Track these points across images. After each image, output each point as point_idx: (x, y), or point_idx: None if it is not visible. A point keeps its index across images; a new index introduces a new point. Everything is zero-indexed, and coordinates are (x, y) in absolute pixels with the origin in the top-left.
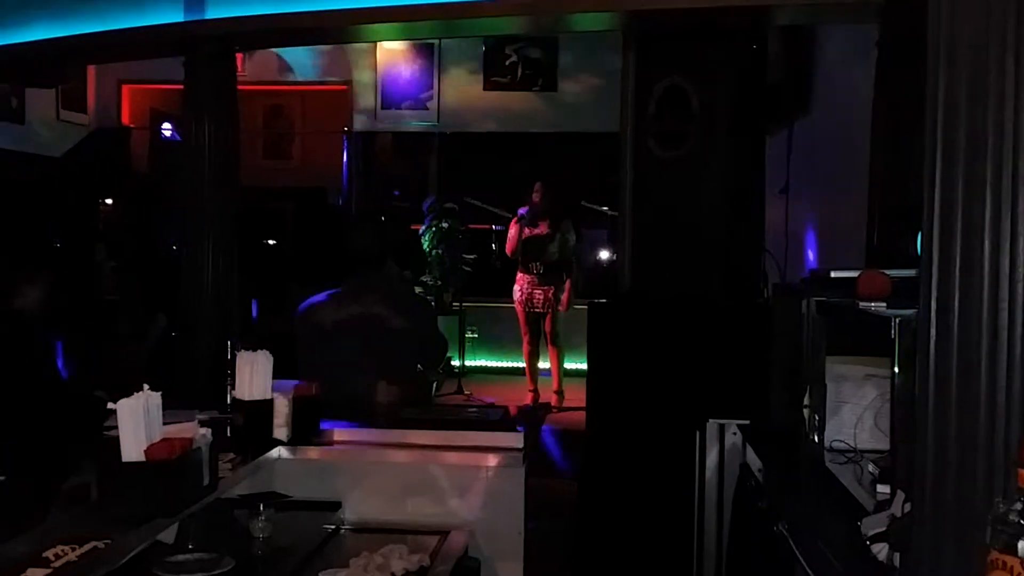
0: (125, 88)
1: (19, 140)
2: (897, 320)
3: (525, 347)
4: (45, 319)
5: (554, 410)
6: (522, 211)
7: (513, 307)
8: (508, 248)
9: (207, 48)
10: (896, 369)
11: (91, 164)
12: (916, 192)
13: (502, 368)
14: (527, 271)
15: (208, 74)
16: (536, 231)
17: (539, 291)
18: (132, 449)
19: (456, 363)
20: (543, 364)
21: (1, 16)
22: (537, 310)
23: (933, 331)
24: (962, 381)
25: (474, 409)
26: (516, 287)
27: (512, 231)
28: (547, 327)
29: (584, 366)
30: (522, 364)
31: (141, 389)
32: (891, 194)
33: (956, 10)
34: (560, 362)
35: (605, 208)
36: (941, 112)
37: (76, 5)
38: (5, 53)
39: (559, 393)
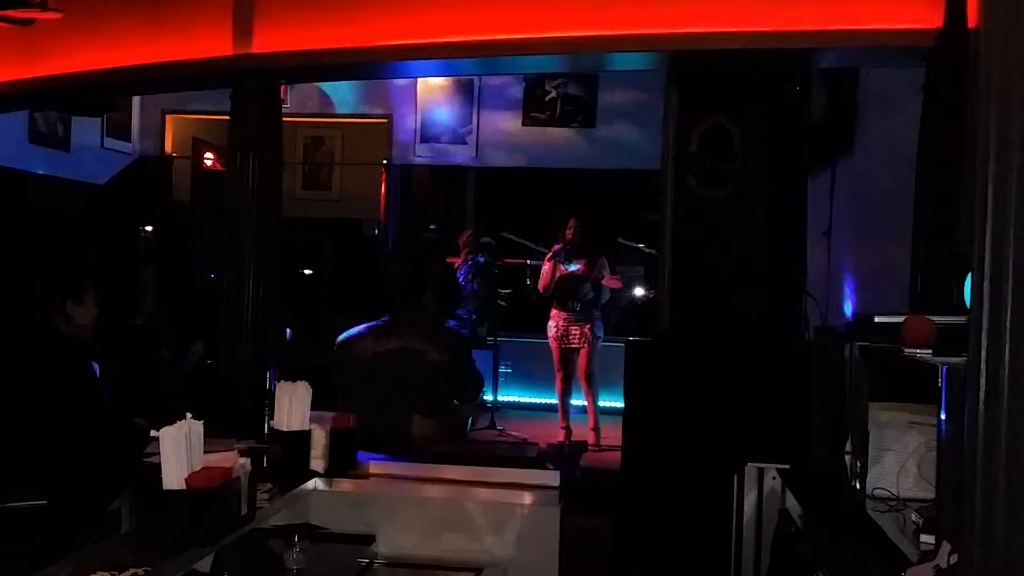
0: (168, 118)
1: (64, 167)
2: (945, 368)
3: (558, 384)
4: (91, 343)
5: (591, 448)
6: (557, 247)
7: (547, 343)
8: (541, 285)
9: (253, 81)
10: (943, 417)
11: (134, 192)
12: (961, 237)
13: (535, 404)
14: (562, 308)
15: (254, 106)
16: (572, 271)
17: (575, 328)
18: (174, 477)
19: (489, 398)
20: (575, 401)
21: (51, 46)
22: (573, 346)
23: (983, 381)
24: (1012, 432)
25: (508, 445)
26: (551, 323)
27: (546, 267)
28: (582, 364)
29: (614, 404)
30: (554, 400)
31: (179, 416)
32: (936, 238)
33: (1008, 57)
34: (595, 399)
35: (642, 245)
36: (992, 159)
37: (126, 37)
38: (55, 82)
39: (596, 431)
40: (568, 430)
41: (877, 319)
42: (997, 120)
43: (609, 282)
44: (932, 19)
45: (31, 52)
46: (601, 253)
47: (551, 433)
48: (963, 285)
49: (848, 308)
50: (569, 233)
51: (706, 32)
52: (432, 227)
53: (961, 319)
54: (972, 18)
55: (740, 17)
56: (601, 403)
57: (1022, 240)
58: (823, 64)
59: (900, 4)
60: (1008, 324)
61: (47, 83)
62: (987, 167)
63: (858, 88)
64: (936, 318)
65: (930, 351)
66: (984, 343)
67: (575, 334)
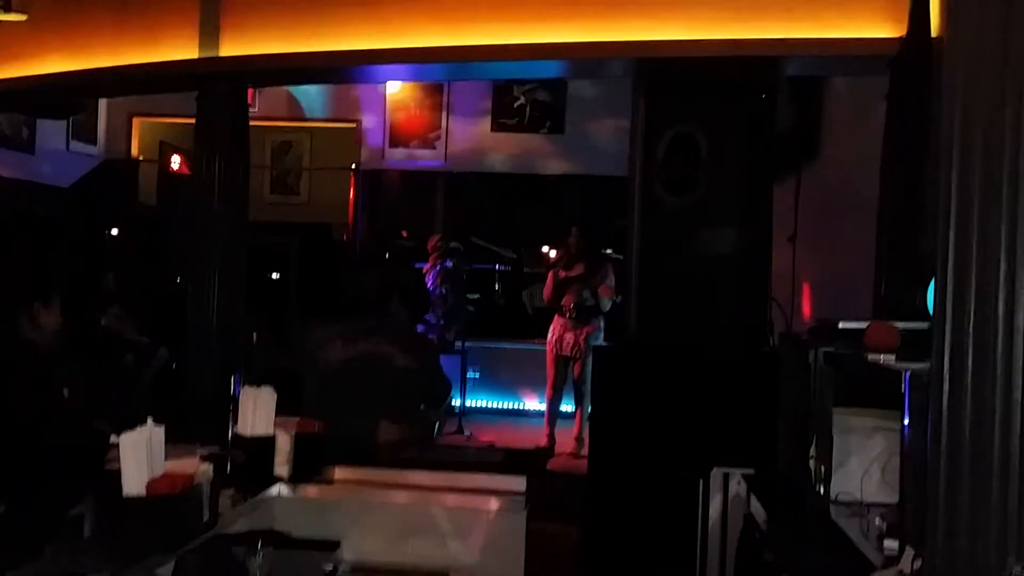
0: (135, 120)
1: (29, 170)
2: (908, 374)
3: (548, 391)
4: (54, 347)
5: (570, 455)
6: (554, 256)
7: (516, 348)
8: (545, 294)
9: (220, 85)
10: (907, 423)
11: (99, 195)
12: (924, 243)
13: (503, 409)
14: (560, 314)
15: (220, 110)
16: (570, 273)
17: (570, 334)
18: (134, 483)
19: (457, 403)
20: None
21: (16, 48)
22: (564, 354)
23: (946, 387)
24: (975, 437)
25: (476, 450)
26: (550, 328)
27: (549, 278)
28: (576, 372)
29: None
30: (522, 405)
31: (141, 422)
32: (899, 245)
33: (969, 65)
34: (584, 409)
35: (609, 251)
36: (956, 166)
37: (92, 40)
38: (19, 84)
39: (579, 440)
40: (552, 438)
41: (841, 325)
42: (960, 127)
43: (602, 290)
44: (896, 28)
45: None
46: (606, 260)
47: (518, 438)
48: (926, 291)
49: (812, 314)
50: (572, 240)
51: (673, 40)
52: (401, 232)
53: (924, 325)
54: (935, 27)
55: (707, 26)
56: (564, 408)
57: (984, 246)
58: (789, 72)
59: (865, 13)
60: (971, 330)
61: (11, 85)
62: (950, 174)
63: (824, 96)
64: (899, 324)
65: (893, 357)
66: (947, 349)
67: (568, 341)
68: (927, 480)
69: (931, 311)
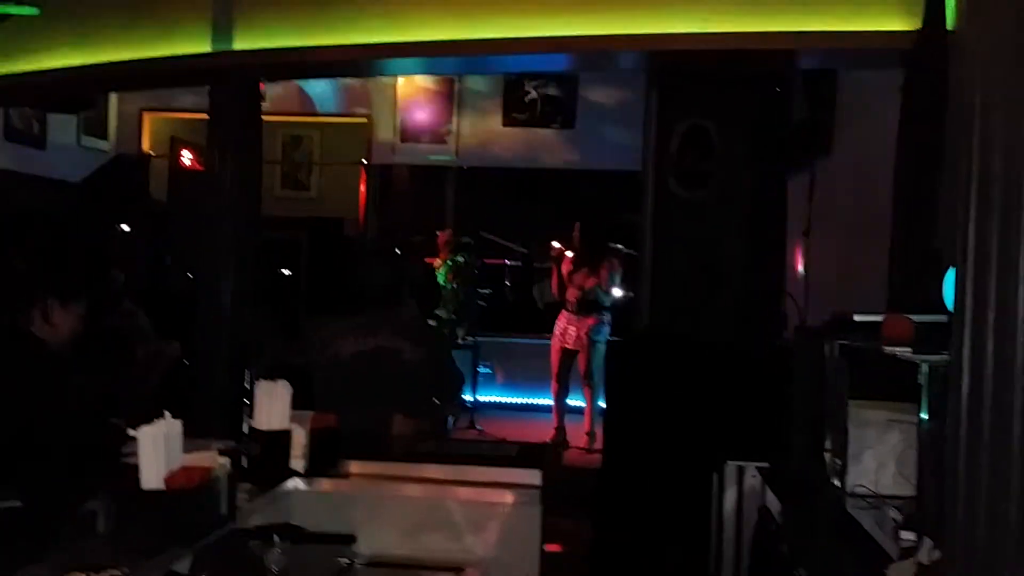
0: (146, 116)
1: (40, 165)
2: (927, 366)
3: (553, 384)
4: (66, 344)
5: (584, 451)
6: (556, 251)
7: (526, 343)
8: (553, 289)
9: (233, 79)
10: (925, 415)
11: (110, 191)
12: (939, 237)
13: (515, 404)
14: (565, 307)
15: (233, 105)
16: (576, 268)
17: (573, 327)
18: (152, 477)
19: (468, 398)
20: (573, 402)
21: (28, 42)
22: (568, 347)
23: (966, 378)
24: (996, 429)
25: (490, 444)
26: (556, 322)
27: (553, 272)
28: (581, 367)
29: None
30: (534, 400)
31: (156, 416)
32: (914, 238)
33: (986, 58)
34: (594, 403)
35: (620, 246)
36: (976, 158)
37: (104, 34)
38: (31, 79)
39: (590, 435)
40: (560, 431)
41: (857, 318)
42: (978, 119)
43: (588, 280)
44: (911, 21)
45: (7, 48)
46: (611, 254)
47: (531, 433)
48: (941, 284)
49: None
50: (575, 236)
51: (687, 33)
52: (411, 227)
53: (939, 317)
54: (950, 20)
55: (719, 19)
56: (575, 403)
57: (1006, 236)
58: (803, 65)
59: (879, 6)
60: (991, 320)
61: (22, 80)
62: (970, 165)
63: (837, 88)
64: (914, 317)
65: (909, 349)
66: (967, 339)
67: (572, 334)
68: (945, 471)
69: (947, 303)
